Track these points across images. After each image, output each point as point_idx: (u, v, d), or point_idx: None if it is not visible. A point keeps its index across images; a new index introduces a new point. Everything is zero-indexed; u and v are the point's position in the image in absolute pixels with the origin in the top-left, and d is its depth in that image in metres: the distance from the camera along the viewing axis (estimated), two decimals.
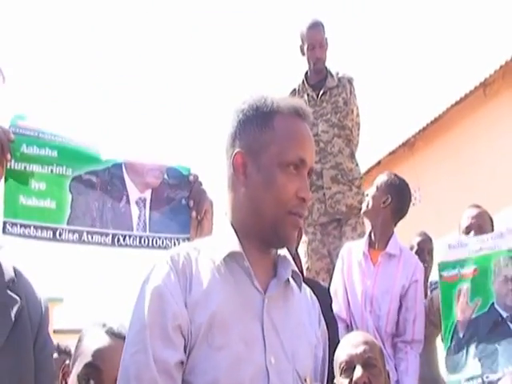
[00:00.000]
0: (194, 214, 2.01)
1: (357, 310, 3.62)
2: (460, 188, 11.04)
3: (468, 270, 2.62)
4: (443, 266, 2.75)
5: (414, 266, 3.66)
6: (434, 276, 4.62)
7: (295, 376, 1.51)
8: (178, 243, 2.03)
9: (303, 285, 1.73)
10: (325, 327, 1.75)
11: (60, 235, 1.93)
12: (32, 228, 1.91)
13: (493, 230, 3.57)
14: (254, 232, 1.58)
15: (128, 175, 2.05)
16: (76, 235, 1.95)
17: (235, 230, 1.59)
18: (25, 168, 1.93)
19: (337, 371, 2.33)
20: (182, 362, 1.43)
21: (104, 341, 1.91)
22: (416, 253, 4.47)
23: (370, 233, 3.81)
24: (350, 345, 2.34)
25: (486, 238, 2.76)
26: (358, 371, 2.26)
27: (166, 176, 2.08)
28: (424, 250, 4.45)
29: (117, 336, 1.94)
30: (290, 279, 1.64)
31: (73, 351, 2.02)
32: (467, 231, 3.51)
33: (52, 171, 1.96)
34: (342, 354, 2.32)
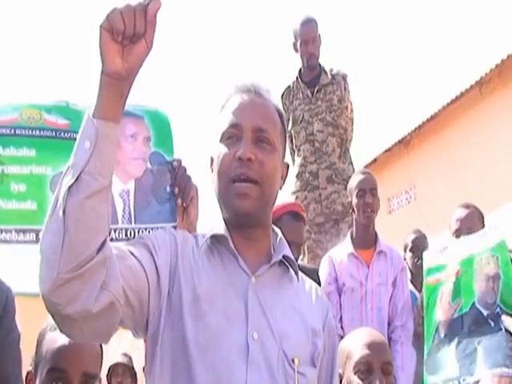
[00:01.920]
0: (179, 201, 1.96)
1: (356, 311, 3.66)
2: (455, 186, 11.06)
3: (451, 272, 2.61)
4: (428, 272, 2.74)
5: (397, 257, 3.85)
6: None
7: (281, 355, 1.48)
8: None
9: (310, 281, 1.72)
10: (333, 327, 1.71)
11: None
12: (13, 232, 1.85)
13: (484, 227, 3.57)
14: (226, 218, 1.59)
15: None
16: None
17: (226, 223, 1.60)
18: (2, 171, 1.88)
19: (348, 366, 2.27)
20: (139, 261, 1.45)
21: (62, 340, 1.85)
22: (410, 250, 4.54)
23: (352, 234, 3.86)
24: (367, 346, 2.26)
25: (469, 239, 2.76)
26: (379, 380, 2.20)
27: (149, 164, 2.00)
28: (418, 247, 4.49)
29: None
30: (290, 269, 1.63)
31: None
32: (457, 235, 3.50)
33: (31, 171, 1.89)
34: (357, 353, 2.26)
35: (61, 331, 1.37)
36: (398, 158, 13.14)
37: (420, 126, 12.37)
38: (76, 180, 1.29)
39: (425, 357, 2.61)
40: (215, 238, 1.57)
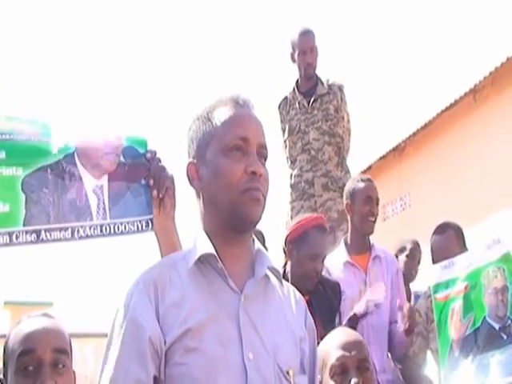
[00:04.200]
0: (154, 192, 1.97)
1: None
2: (449, 193, 11.10)
3: (459, 287, 2.62)
4: (436, 288, 2.74)
5: (392, 259, 3.92)
6: (416, 286, 4.71)
7: (276, 369, 1.51)
8: (141, 226, 2.00)
9: (287, 284, 1.74)
10: (313, 325, 1.74)
11: (17, 238, 1.85)
12: None
13: (464, 242, 3.63)
14: (220, 227, 1.59)
15: (81, 164, 1.96)
16: (34, 235, 1.87)
17: (208, 235, 1.59)
18: None
19: (325, 372, 2.25)
20: (156, 377, 1.46)
21: (25, 328, 1.87)
22: (407, 256, 4.60)
23: (346, 240, 3.91)
24: (341, 347, 2.26)
25: (474, 253, 2.77)
26: (354, 378, 2.20)
27: (122, 158, 2.01)
28: (415, 257, 4.58)
29: (37, 316, 1.92)
30: (271, 275, 1.64)
31: None
32: (434, 262, 3.52)
33: (2, 173, 1.88)
34: (332, 356, 2.25)
35: None
36: (392, 165, 13.17)
37: (414, 134, 12.40)
38: None
39: (441, 375, 2.62)
40: (200, 258, 1.56)
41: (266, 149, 1.63)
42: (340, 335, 2.35)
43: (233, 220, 1.57)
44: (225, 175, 1.56)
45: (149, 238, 2.04)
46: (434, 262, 3.58)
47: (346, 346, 2.26)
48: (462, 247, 3.60)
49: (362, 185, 3.86)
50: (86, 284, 21.45)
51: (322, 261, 3.46)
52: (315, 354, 1.73)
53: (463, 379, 2.50)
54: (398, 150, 13.05)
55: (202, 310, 1.49)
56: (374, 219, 3.82)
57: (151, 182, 1.98)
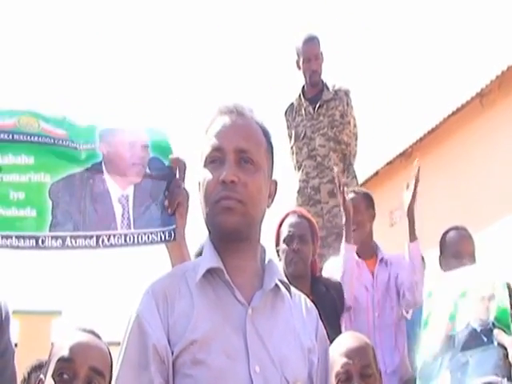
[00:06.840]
0: (166, 203, 2.00)
1: (363, 319, 3.71)
2: (457, 198, 11.07)
3: (452, 295, 2.67)
4: (429, 294, 2.81)
5: (397, 262, 3.85)
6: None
7: (283, 382, 1.50)
8: (165, 237, 2.01)
9: (299, 293, 1.73)
10: (325, 336, 1.73)
11: (43, 243, 1.89)
12: (14, 238, 1.87)
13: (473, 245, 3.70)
14: (217, 240, 1.59)
15: (108, 174, 2.01)
16: (59, 241, 1.91)
17: (214, 246, 1.59)
18: (1, 179, 1.91)
19: (331, 378, 2.27)
20: None
21: (74, 336, 1.90)
22: None
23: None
24: (345, 354, 2.33)
25: (469, 271, 2.82)
26: None
27: (147, 170, 2.04)
28: None
29: (87, 331, 1.95)
30: (281, 286, 1.63)
31: None
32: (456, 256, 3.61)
33: (30, 179, 1.92)
34: (337, 363, 2.31)
35: None
36: (399, 170, 13.16)
37: (421, 139, 12.39)
38: None
39: (419, 368, 2.66)
40: (209, 270, 1.56)
41: (247, 152, 1.56)
42: (345, 341, 2.42)
43: (215, 232, 1.58)
44: (202, 189, 1.57)
45: (160, 251, 2.06)
46: (446, 254, 3.70)
47: (350, 354, 2.33)
48: (473, 254, 3.69)
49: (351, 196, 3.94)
50: (95, 293, 21.46)
51: (302, 243, 3.47)
52: (327, 364, 1.72)
53: (440, 373, 2.54)
54: (405, 156, 13.03)
55: (209, 322, 1.49)
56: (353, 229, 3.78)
57: (167, 194, 2.00)
